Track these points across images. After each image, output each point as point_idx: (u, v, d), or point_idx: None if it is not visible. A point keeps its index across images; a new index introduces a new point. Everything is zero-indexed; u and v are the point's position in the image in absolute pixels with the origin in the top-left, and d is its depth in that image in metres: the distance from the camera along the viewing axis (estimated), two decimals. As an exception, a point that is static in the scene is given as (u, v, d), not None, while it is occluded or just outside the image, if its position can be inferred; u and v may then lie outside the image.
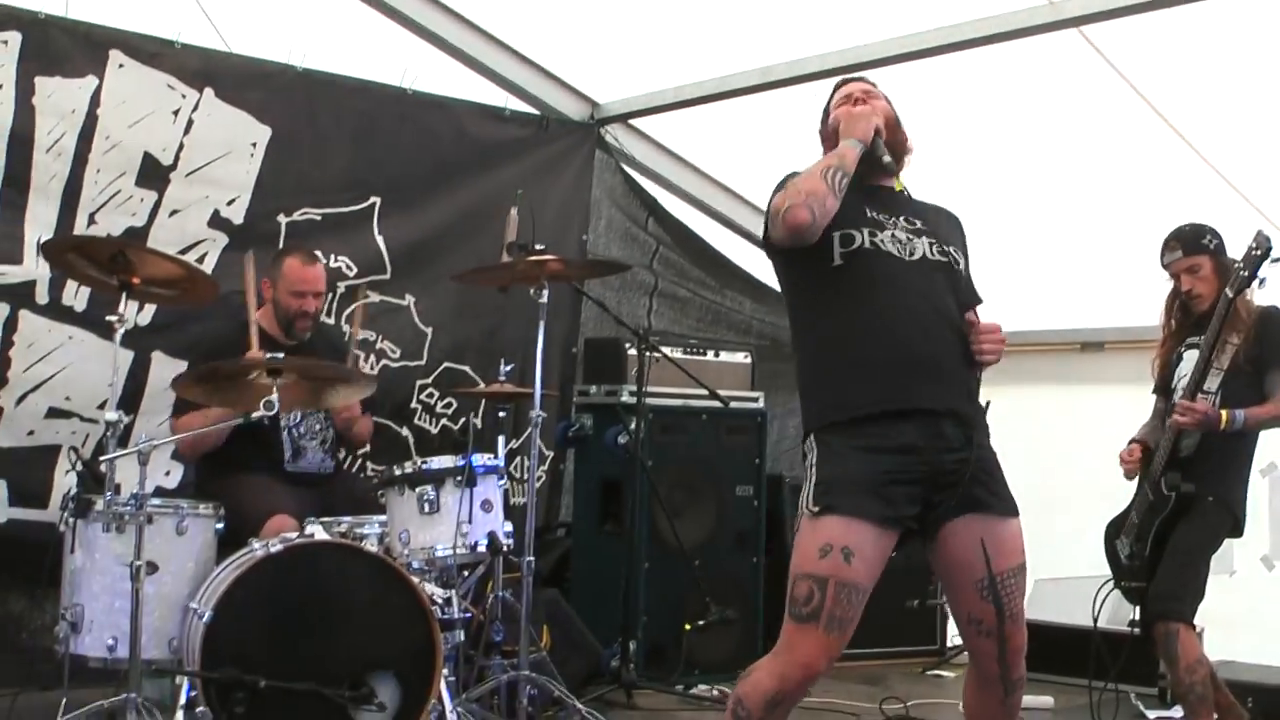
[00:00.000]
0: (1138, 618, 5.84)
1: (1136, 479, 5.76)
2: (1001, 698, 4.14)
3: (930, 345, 4.01)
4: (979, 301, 4.29)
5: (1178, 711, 6.14)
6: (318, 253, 6.44)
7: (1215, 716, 5.55)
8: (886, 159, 4.14)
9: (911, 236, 4.11)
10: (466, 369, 7.56)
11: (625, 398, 7.02)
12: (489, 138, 7.68)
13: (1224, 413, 5.40)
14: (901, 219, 4.15)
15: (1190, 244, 5.64)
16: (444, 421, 7.51)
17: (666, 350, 6.97)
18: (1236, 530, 5.67)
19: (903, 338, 4.01)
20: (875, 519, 3.88)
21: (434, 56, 7.34)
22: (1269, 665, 6.72)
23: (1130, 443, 5.83)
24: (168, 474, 6.50)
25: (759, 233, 8.56)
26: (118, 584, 4.93)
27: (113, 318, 4.92)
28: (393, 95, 7.33)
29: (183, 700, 4.82)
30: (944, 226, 4.26)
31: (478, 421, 7.25)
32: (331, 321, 6.93)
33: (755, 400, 7.56)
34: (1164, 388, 5.89)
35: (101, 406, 5.50)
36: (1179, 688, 5.51)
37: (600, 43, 7.36)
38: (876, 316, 4.04)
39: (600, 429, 7.18)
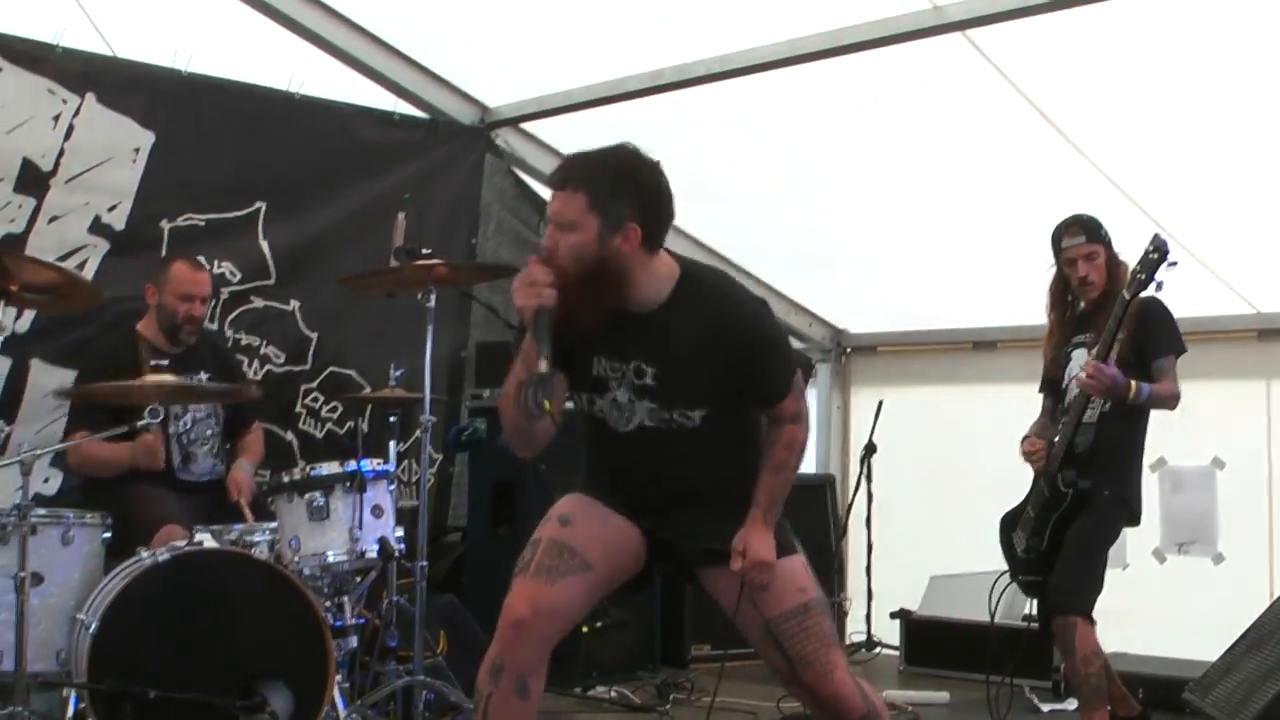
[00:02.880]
0: (1033, 612, 5.89)
1: (1032, 474, 5.81)
2: None
3: (636, 486, 3.98)
4: (765, 406, 3.96)
5: (1071, 704, 6.20)
6: (201, 259, 6.35)
7: (1108, 708, 5.61)
8: (542, 359, 3.62)
9: (633, 398, 3.86)
10: (351, 373, 7.51)
11: (518, 401, 6.95)
12: (377, 142, 7.63)
13: (1133, 382, 5.46)
14: (630, 367, 3.84)
15: (1091, 232, 5.69)
16: (329, 426, 7.45)
17: (558, 353, 6.95)
18: (1133, 520, 5.73)
19: (614, 474, 4.04)
20: (610, 504, 3.97)
21: (322, 60, 7.27)
22: (1160, 657, 6.81)
23: (1025, 439, 5.87)
24: (46, 481, 6.38)
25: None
26: (1, 596, 4.81)
27: (-9, 325, 4.85)
28: (279, 99, 7.26)
29: (70, 713, 4.76)
30: (688, 360, 3.80)
31: (364, 426, 7.20)
32: (215, 328, 6.83)
33: (647, 401, 7.52)
34: (1052, 387, 5.94)
35: (-21, 415, 5.42)
36: (1074, 679, 5.56)
37: (490, 46, 7.33)
38: (595, 452, 4.11)
39: (493, 433, 7.12)
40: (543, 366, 3.61)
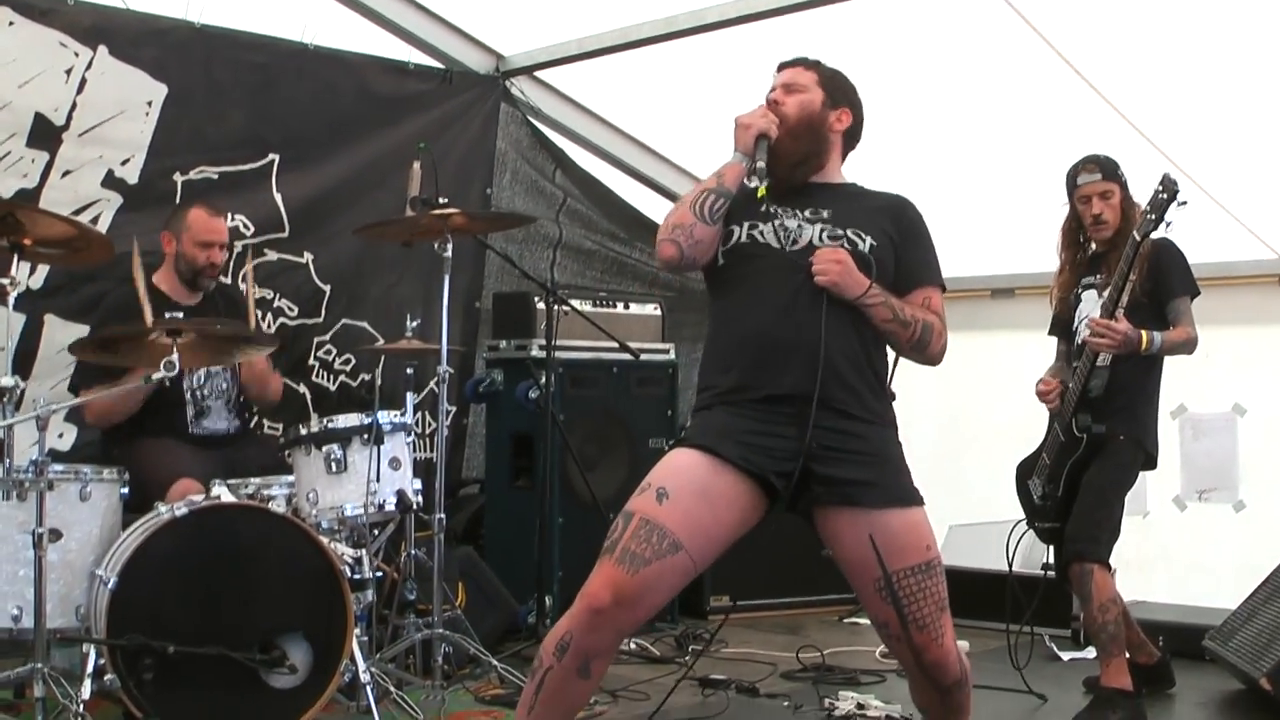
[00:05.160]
0: (1051, 560, 5.87)
1: (1047, 420, 5.78)
2: (940, 698, 4.01)
3: (782, 331, 3.86)
4: (919, 285, 4.05)
5: (1091, 652, 6.18)
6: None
7: (1126, 655, 5.59)
8: (758, 167, 3.96)
9: (805, 225, 3.96)
10: (365, 325, 7.49)
11: (535, 352, 6.94)
12: (391, 92, 7.59)
13: (1144, 334, 5.43)
14: (805, 210, 3.98)
15: (1108, 170, 5.67)
16: (342, 378, 7.44)
17: (576, 303, 6.91)
18: (1150, 464, 5.71)
19: (754, 325, 3.91)
20: (724, 452, 3.78)
21: (335, 10, 7.23)
22: (1181, 604, 6.80)
23: (1040, 381, 5.84)
24: (60, 436, 6.36)
25: (667, 183, 8.58)
26: (20, 552, 4.83)
27: (4, 280, 4.81)
28: (293, 50, 7.21)
29: (90, 668, 4.74)
30: (863, 214, 4.01)
31: (379, 378, 7.19)
32: (228, 280, 6.75)
33: (666, 352, 7.52)
34: (1064, 330, 5.91)
35: (-8, 372, 5.39)
36: (1092, 626, 5.54)
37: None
38: (738, 307, 3.99)
39: (511, 384, 7.10)
40: (760, 163, 3.96)
